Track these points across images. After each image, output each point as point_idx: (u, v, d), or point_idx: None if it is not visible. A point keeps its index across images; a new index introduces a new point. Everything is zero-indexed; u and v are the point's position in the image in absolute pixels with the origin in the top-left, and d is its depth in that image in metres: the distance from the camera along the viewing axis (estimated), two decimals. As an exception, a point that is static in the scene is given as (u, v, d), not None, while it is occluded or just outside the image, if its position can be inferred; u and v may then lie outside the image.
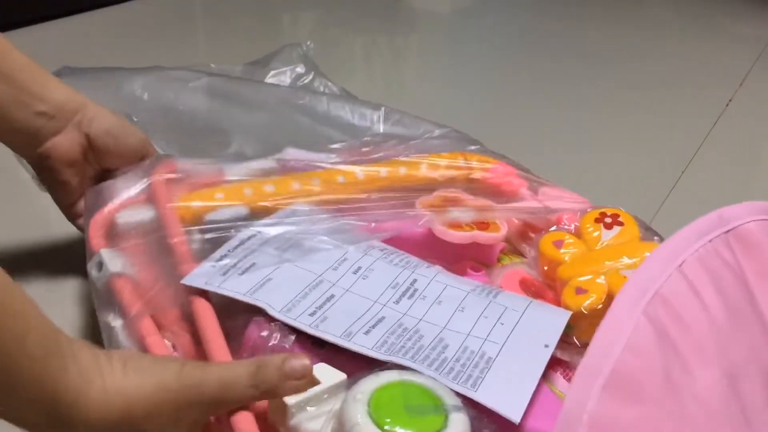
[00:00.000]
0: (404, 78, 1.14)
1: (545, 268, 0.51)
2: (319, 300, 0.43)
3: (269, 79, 0.84)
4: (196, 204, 0.51)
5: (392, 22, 1.36)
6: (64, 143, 0.53)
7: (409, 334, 0.42)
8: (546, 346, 0.42)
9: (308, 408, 0.36)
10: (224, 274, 0.44)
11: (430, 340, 0.41)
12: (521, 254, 0.55)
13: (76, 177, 0.55)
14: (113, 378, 0.34)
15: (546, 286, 0.50)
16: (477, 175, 0.58)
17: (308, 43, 0.88)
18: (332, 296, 0.44)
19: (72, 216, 0.57)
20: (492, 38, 1.30)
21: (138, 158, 0.56)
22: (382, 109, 0.74)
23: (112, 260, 0.47)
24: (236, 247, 0.46)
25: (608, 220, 0.53)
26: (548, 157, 0.86)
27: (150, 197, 0.52)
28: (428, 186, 0.56)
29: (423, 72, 1.17)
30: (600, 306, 0.46)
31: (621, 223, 0.53)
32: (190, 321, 0.44)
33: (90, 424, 0.33)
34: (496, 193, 0.57)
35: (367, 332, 0.41)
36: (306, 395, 0.36)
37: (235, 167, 0.55)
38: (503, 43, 1.29)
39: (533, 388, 0.38)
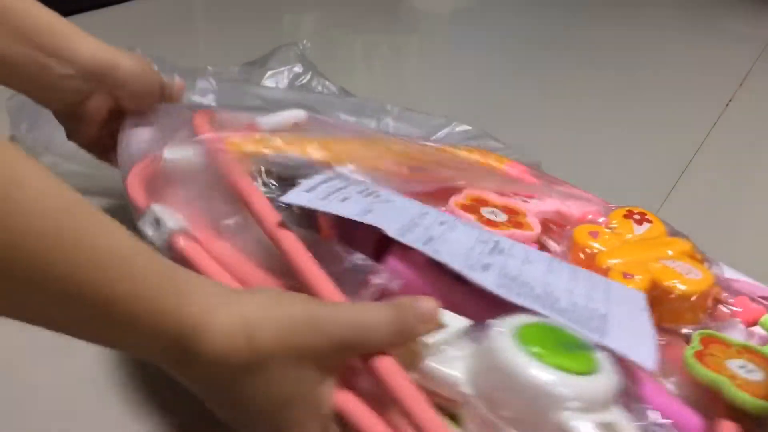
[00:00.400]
0: (404, 78, 1.14)
1: (581, 256, 0.51)
2: (421, 235, 0.41)
3: (267, 80, 0.84)
4: (251, 148, 0.49)
5: (392, 22, 1.36)
6: (93, 106, 0.53)
7: (520, 282, 0.40)
8: (642, 309, 0.42)
9: (441, 350, 0.35)
10: (323, 200, 0.41)
11: (540, 291, 0.40)
12: (547, 250, 0.55)
13: (99, 129, 0.55)
14: (238, 308, 0.32)
15: None
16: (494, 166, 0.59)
17: (305, 42, 0.87)
18: (431, 237, 0.42)
19: (96, 153, 0.58)
20: (492, 38, 1.30)
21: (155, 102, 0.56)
22: (395, 108, 0.74)
23: (169, 215, 0.43)
24: (321, 183, 0.43)
25: (637, 216, 0.55)
26: (549, 156, 0.86)
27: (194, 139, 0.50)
28: (453, 167, 0.57)
29: (423, 72, 1.17)
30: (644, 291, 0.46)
31: (650, 221, 0.55)
32: (273, 272, 0.41)
33: (214, 355, 0.31)
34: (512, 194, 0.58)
35: (483, 271, 0.40)
36: (439, 337, 0.35)
37: (267, 118, 0.54)
38: (503, 43, 1.29)
39: (655, 342, 0.38)
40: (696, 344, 0.43)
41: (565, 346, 0.34)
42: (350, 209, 0.41)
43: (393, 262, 0.40)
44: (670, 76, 1.14)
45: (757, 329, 0.48)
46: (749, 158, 0.94)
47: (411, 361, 0.34)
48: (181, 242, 0.42)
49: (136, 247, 0.31)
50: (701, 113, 1.00)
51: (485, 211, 0.51)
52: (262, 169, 0.46)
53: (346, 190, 0.43)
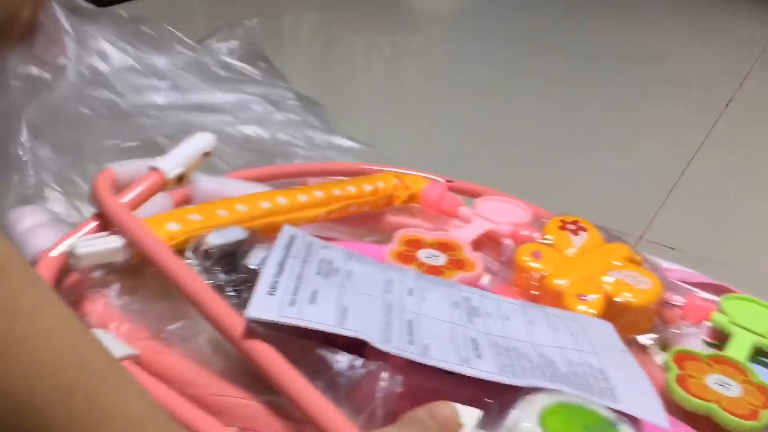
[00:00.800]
0: (404, 78, 1.14)
1: (530, 281, 0.50)
2: (403, 327, 0.39)
3: (206, 56, 0.81)
4: (176, 227, 0.43)
5: (392, 22, 1.36)
6: (24, 16, 0.61)
7: (515, 353, 0.39)
8: (622, 351, 0.42)
9: None
10: (291, 304, 0.37)
11: (536, 357, 0.39)
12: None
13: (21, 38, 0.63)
14: None
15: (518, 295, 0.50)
16: (414, 193, 0.59)
17: (253, 20, 0.85)
18: (410, 321, 0.40)
19: None
20: (491, 38, 1.30)
21: None
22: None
23: (111, 342, 0.36)
24: (278, 275, 0.39)
25: (572, 226, 0.54)
26: (548, 156, 0.86)
27: (106, 223, 0.43)
28: (372, 202, 0.57)
29: (422, 72, 1.17)
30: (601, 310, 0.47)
31: (584, 229, 0.54)
32: (243, 384, 0.36)
33: None
34: (436, 213, 0.58)
35: (478, 356, 0.38)
36: None
37: (170, 159, 0.48)
38: (503, 44, 1.29)
39: (657, 393, 0.39)
40: (673, 367, 0.44)
41: (593, 430, 0.34)
42: (326, 314, 0.37)
43: (390, 368, 0.37)
44: (670, 76, 1.14)
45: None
46: (749, 158, 0.94)
47: None
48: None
49: (146, 408, 0.27)
50: (701, 113, 1.00)
51: (423, 255, 0.50)
52: (200, 252, 0.42)
53: (306, 277, 0.40)
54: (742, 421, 0.41)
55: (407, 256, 0.50)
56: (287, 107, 0.74)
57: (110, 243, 0.40)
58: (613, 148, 0.90)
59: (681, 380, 0.43)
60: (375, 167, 0.62)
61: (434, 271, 0.49)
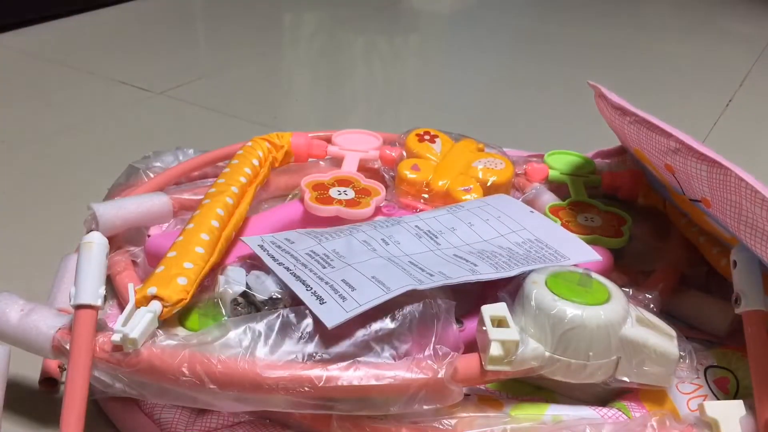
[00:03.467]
0: (404, 78, 1.14)
1: (421, 188, 0.58)
2: (414, 269, 0.42)
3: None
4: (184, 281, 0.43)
5: (392, 22, 1.36)
6: None
7: (487, 254, 0.45)
8: (531, 211, 0.52)
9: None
10: (344, 299, 0.39)
11: (500, 251, 0.45)
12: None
13: None
14: None
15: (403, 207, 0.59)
16: (287, 150, 0.62)
17: None
18: (411, 262, 0.43)
19: None
20: (491, 39, 1.30)
21: None
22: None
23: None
24: (307, 286, 0.41)
25: (427, 137, 0.64)
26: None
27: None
28: (266, 173, 0.59)
29: (423, 72, 1.17)
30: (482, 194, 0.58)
31: (437, 136, 0.64)
32: None
33: None
34: (307, 158, 0.63)
35: (474, 265, 0.43)
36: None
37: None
38: (503, 44, 1.29)
39: (580, 241, 0.48)
40: (554, 218, 0.56)
41: (582, 284, 0.41)
42: (370, 290, 0.39)
43: None
44: (669, 76, 1.14)
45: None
46: (749, 158, 0.94)
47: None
48: None
49: None
50: (701, 113, 1.00)
51: (335, 194, 0.55)
52: (233, 305, 0.42)
53: (321, 274, 0.41)
54: (617, 239, 0.54)
55: (324, 198, 0.55)
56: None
57: (147, 314, 0.38)
58: (613, 148, 0.90)
59: (565, 226, 0.54)
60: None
61: (353, 203, 0.54)
